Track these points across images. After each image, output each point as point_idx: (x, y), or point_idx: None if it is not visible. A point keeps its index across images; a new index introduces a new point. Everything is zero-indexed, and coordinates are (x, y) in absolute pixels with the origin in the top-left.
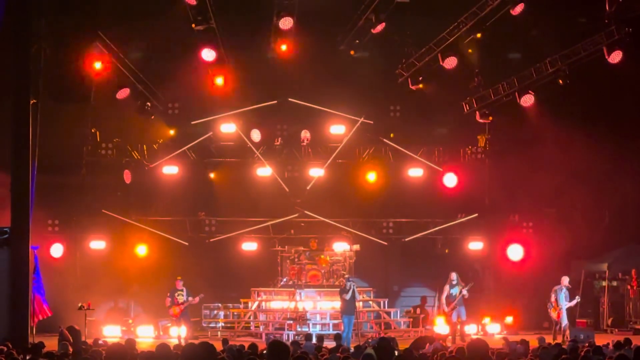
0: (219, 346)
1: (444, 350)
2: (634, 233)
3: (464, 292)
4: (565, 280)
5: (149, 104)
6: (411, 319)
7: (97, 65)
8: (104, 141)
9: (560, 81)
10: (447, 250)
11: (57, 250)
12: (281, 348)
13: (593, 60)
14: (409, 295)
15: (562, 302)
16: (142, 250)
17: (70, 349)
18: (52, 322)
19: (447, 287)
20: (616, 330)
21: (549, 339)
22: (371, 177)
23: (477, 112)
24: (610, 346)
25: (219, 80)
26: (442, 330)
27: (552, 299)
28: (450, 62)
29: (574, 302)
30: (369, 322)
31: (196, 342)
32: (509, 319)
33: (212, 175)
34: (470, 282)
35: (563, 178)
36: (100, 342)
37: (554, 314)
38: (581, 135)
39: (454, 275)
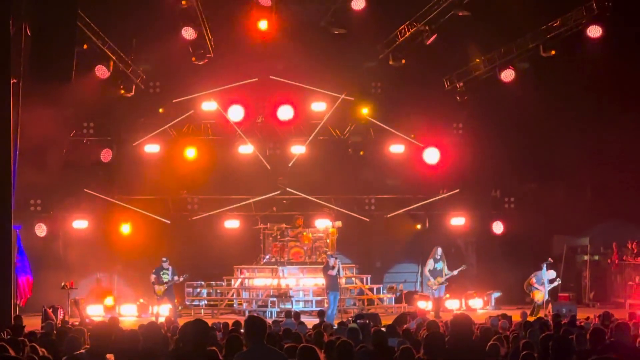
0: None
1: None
2: (615, 207)
3: (455, 272)
4: (544, 268)
5: (129, 83)
6: (394, 295)
7: (79, 44)
8: (85, 120)
9: (543, 54)
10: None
11: (40, 230)
12: (257, 323)
13: (575, 35)
14: (392, 272)
15: (545, 276)
16: (126, 229)
17: (54, 329)
18: (35, 302)
19: (431, 261)
20: (598, 304)
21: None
22: (351, 153)
23: (456, 90)
24: (596, 320)
25: (200, 58)
26: (425, 305)
27: (533, 280)
28: (431, 39)
29: (555, 284)
30: (352, 298)
31: (180, 320)
32: (496, 294)
33: (190, 154)
34: (463, 264)
35: (544, 153)
36: (87, 321)
37: (537, 296)
38: (562, 110)
39: (439, 250)
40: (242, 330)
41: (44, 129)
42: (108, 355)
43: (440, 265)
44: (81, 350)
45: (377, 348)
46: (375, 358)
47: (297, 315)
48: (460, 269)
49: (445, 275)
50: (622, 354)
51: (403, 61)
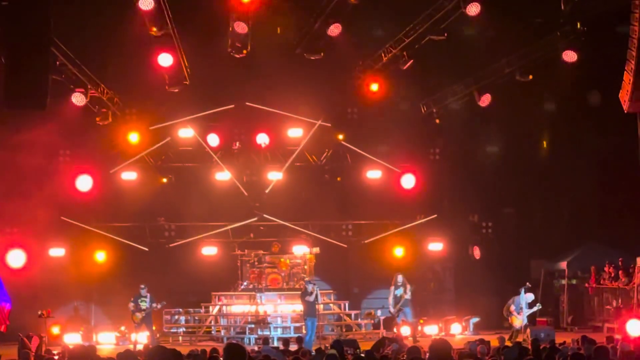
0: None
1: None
2: (592, 232)
3: (406, 295)
4: (522, 293)
5: (106, 110)
6: (372, 321)
7: (55, 72)
8: (61, 147)
9: (518, 77)
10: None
11: (16, 257)
12: (237, 350)
13: (551, 59)
14: (370, 298)
15: (523, 301)
16: (101, 256)
17: (31, 358)
18: (11, 330)
19: (392, 289)
20: (576, 328)
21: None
22: (328, 179)
23: (433, 115)
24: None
25: (176, 85)
26: (403, 331)
27: (512, 308)
28: (407, 64)
29: (535, 308)
30: (330, 324)
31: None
32: (474, 320)
33: (164, 180)
34: (411, 285)
35: (521, 177)
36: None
37: (516, 322)
38: (539, 135)
39: (399, 278)
40: (220, 358)
41: (20, 156)
42: None
43: (400, 291)
44: None
45: None
46: None
47: (287, 341)
48: (408, 290)
49: (403, 299)
50: None
51: (379, 86)
